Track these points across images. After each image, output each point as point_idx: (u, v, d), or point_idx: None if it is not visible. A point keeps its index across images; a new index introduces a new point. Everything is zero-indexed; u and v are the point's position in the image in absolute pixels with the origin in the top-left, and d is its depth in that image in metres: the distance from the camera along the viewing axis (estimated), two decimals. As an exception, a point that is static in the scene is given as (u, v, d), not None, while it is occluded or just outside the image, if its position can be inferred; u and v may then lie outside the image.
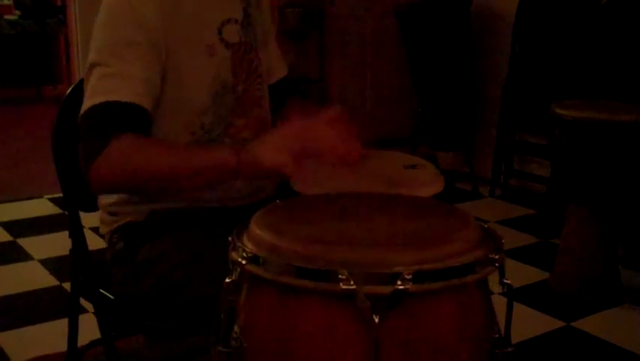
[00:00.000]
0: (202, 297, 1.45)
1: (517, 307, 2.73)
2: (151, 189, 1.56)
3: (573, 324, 2.69)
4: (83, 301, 1.84)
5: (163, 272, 1.55)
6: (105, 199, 1.69)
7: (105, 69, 1.50)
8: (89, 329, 1.85)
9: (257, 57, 1.72)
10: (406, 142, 4.31)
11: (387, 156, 1.68)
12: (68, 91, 1.77)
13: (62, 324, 1.92)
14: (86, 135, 1.47)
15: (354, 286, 0.99)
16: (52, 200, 4.06)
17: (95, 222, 1.74)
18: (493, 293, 1.15)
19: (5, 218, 3.82)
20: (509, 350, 1.11)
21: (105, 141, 1.43)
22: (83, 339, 1.93)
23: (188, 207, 1.63)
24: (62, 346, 1.92)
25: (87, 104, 1.49)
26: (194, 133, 1.62)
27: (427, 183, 1.47)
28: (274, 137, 1.41)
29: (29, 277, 3.09)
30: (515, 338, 1.13)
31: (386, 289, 1.00)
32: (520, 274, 3.08)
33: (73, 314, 1.86)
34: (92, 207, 1.77)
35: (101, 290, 1.66)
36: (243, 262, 1.06)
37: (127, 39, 1.51)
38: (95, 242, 1.80)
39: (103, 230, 1.72)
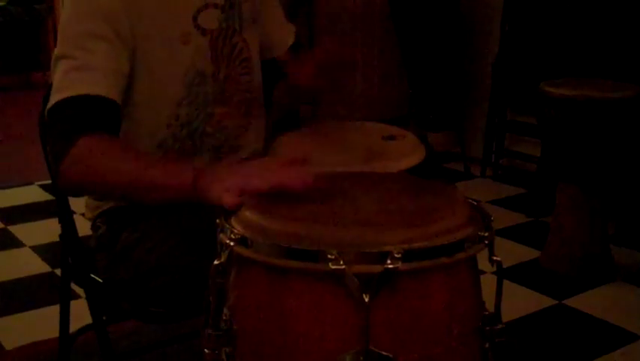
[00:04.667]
0: (181, 280, 1.45)
1: (509, 285, 2.75)
2: (112, 195, 1.55)
3: (565, 302, 2.70)
4: (76, 288, 1.84)
5: (141, 256, 1.54)
6: None
7: (71, 62, 1.47)
8: (82, 314, 1.85)
9: (241, 40, 1.68)
10: (397, 123, 4.23)
11: (367, 128, 1.67)
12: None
13: (54, 310, 1.92)
14: (53, 133, 1.45)
15: (343, 266, 0.99)
16: (42, 187, 4.04)
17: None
18: (485, 272, 1.15)
19: (-4, 205, 3.81)
20: (499, 327, 1.12)
21: (72, 140, 1.40)
22: (76, 325, 1.93)
23: None
24: (55, 332, 1.92)
25: (54, 98, 1.46)
26: (170, 125, 1.60)
27: (406, 153, 1.45)
28: (226, 171, 1.31)
29: (21, 263, 3.09)
30: (507, 317, 1.13)
31: (376, 269, 0.99)
32: (512, 253, 3.09)
33: (64, 299, 1.85)
34: (81, 192, 1.76)
35: (91, 275, 1.66)
36: (232, 243, 1.06)
37: (92, 31, 1.48)
38: (85, 228, 1.79)
39: (88, 215, 1.72)
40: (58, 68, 1.49)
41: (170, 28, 1.57)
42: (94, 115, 1.44)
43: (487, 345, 1.11)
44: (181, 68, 1.59)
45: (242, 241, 1.06)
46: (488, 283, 1.15)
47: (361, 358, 1.01)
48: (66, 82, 1.46)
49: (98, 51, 1.47)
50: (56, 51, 1.51)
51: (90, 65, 1.46)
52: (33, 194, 4.00)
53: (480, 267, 1.15)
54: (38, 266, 3.04)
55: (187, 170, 1.33)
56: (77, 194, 1.60)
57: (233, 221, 1.11)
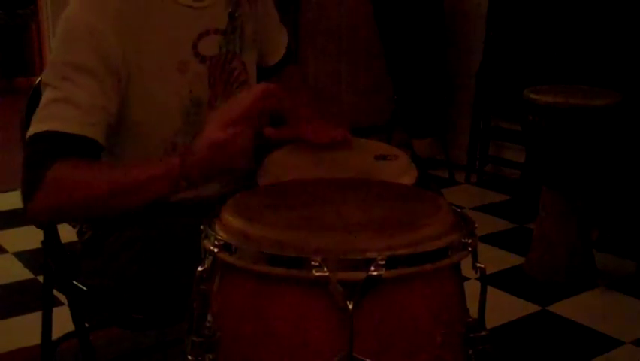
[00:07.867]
0: (163, 288, 1.44)
1: (493, 292, 2.76)
2: (95, 213, 1.49)
3: (548, 308, 2.71)
4: (58, 295, 1.83)
5: (124, 263, 1.53)
6: None
7: (54, 92, 1.43)
8: (65, 321, 1.83)
9: (240, 63, 1.65)
10: (382, 130, 4.31)
11: (359, 146, 1.63)
12: (38, 81, 1.73)
13: (37, 317, 1.91)
14: (25, 166, 1.42)
15: (327, 273, 0.99)
16: (25, 192, 4.01)
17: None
18: (470, 278, 1.15)
19: (-22, 211, 3.77)
20: (483, 333, 1.12)
21: (46, 166, 1.38)
22: (58, 332, 1.92)
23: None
24: (37, 339, 1.90)
25: (32, 129, 1.42)
26: (167, 151, 1.55)
27: (397, 175, 1.43)
28: (206, 126, 1.38)
29: (3, 270, 3.06)
30: (491, 323, 1.13)
31: (359, 276, 0.99)
32: (496, 259, 3.09)
33: (46, 306, 1.84)
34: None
35: (74, 282, 1.65)
36: (215, 250, 1.06)
37: (80, 64, 1.43)
38: (69, 234, 1.78)
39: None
40: (43, 95, 1.45)
41: (168, 58, 1.52)
42: (68, 149, 1.40)
43: (470, 352, 1.11)
44: (177, 97, 1.54)
45: (225, 247, 1.05)
46: (472, 290, 1.15)
47: (345, 365, 1.01)
48: (46, 113, 1.42)
49: (83, 85, 1.42)
50: (43, 77, 1.47)
51: (73, 100, 1.41)
52: (16, 200, 3.94)
53: (464, 273, 1.15)
54: (21, 273, 3.02)
55: (171, 157, 1.40)
56: (55, 220, 1.59)
57: (216, 227, 1.11)
